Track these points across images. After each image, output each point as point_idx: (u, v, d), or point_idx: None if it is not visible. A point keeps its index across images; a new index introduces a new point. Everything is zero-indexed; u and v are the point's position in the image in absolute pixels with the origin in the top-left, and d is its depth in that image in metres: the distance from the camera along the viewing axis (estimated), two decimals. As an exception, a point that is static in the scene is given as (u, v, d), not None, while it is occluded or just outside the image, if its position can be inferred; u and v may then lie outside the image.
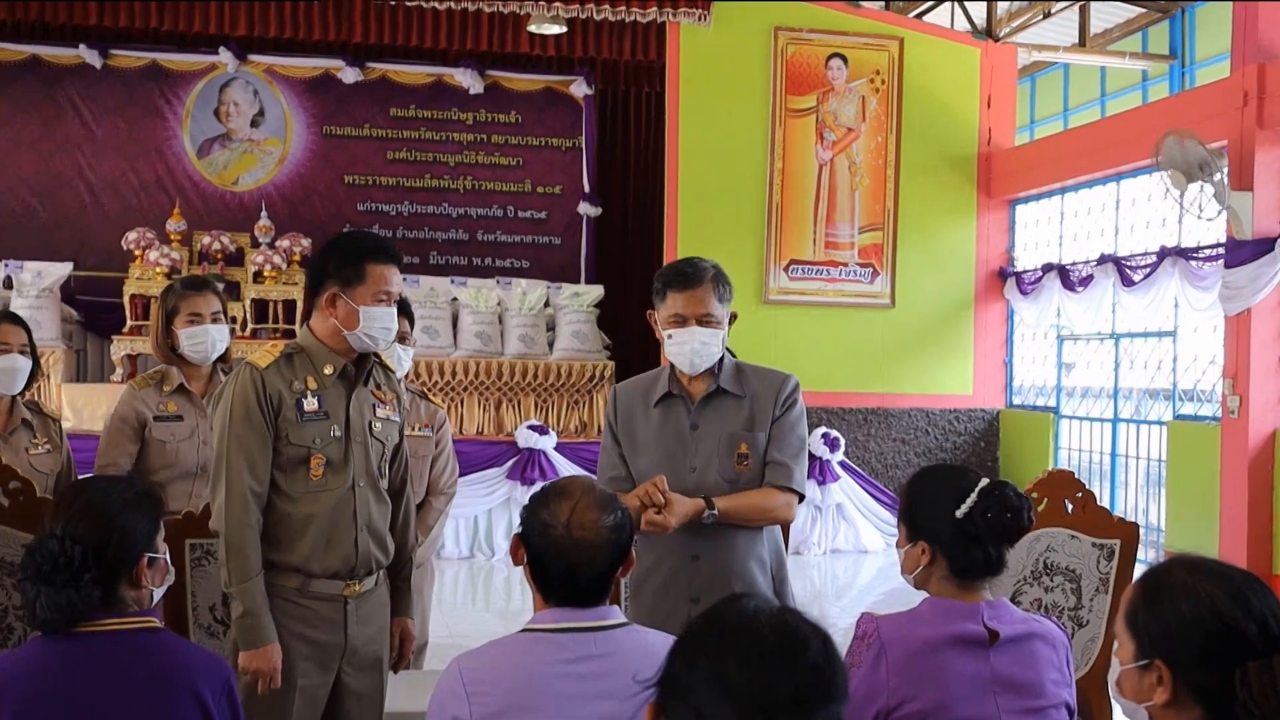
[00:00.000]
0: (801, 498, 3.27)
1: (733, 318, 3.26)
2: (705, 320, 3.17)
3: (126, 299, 10.25)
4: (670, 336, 3.21)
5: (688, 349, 3.18)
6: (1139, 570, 3.97)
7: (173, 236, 10.78)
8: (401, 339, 4.28)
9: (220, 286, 4.43)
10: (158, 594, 2.36)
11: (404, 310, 4.21)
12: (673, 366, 3.27)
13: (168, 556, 2.39)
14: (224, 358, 4.19)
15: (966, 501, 2.37)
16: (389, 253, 3.16)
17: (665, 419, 3.25)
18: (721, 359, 3.26)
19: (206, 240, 10.83)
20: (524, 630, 2.22)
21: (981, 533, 2.36)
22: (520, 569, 2.29)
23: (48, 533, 2.25)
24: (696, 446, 3.21)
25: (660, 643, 2.21)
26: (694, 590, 3.16)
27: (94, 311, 11.07)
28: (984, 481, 2.40)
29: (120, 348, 9.96)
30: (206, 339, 4.05)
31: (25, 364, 3.91)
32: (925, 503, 2.44)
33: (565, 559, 2.19)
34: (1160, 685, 1.73)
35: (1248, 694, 1.66)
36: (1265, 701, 1.64)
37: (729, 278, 3.27)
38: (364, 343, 3.11)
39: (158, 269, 10.21)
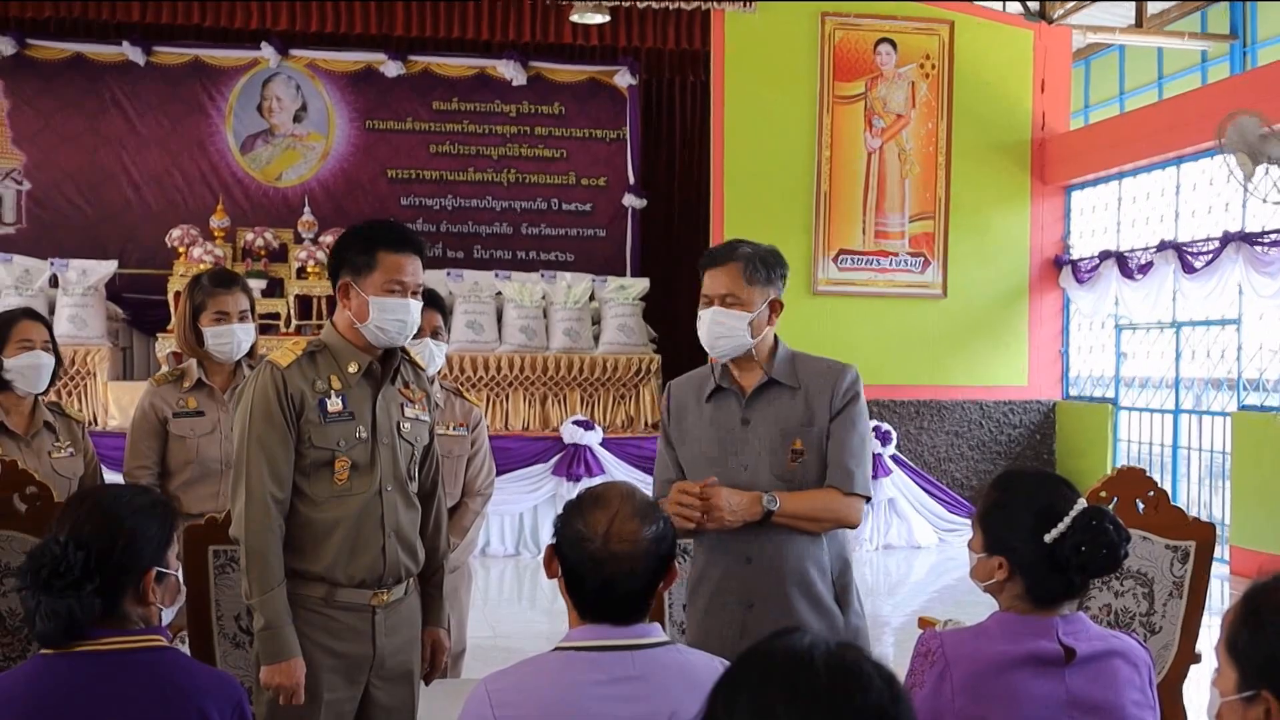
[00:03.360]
0: (867, 499, 3.06)
1: (776, 305, 3.07)
2: (729, 302, 3.00)
3: (171, 296, 10.21)
4: (698, 318, 3.08)
5: (704, 330, 3.04)
6: (1215, 570, 3.76)
7: (216, 233, 10.74)
8: (434, 333, 4.13)
9: (252, 284, 4.33)
10: (168, 615, 2.22)
11: (435, 303, 4.07)
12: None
13: (180, 574, 2.24)
14: (250, 354, 4.08)
15: (1058, 527, 2.15)
16: (404, 240, 3.00)
17: (716, 414, 3.07)
18: (776, 349, 3.08)
19: (250, 237, 10.78)
20: (556, 649, 2.06)
21: (1069, 564, 2.15)
22: (551, 579, 2.12)
23: (51, 537, 2.11)
24: (747, 443, 3.01)
25: (703, 664, 2.04)
26: (748, 595, 2.98)
27: (139, 309, 11.06)
28: (1079, 505, 2.18)
29: (165, 345, 9.92)
30: (232, 339, 3.99)
31: (49, 361, 3.82)
32: (1010, 516, 2.22)
33: (601, 573, 2.02)
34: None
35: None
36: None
37: (778, 262, 3.07)
38: (376, 336, 2.96)
39: (201, 266, 10.14)
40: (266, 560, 2.82)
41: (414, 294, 2.99)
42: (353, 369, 2.97)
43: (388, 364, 3.03)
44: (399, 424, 3.02)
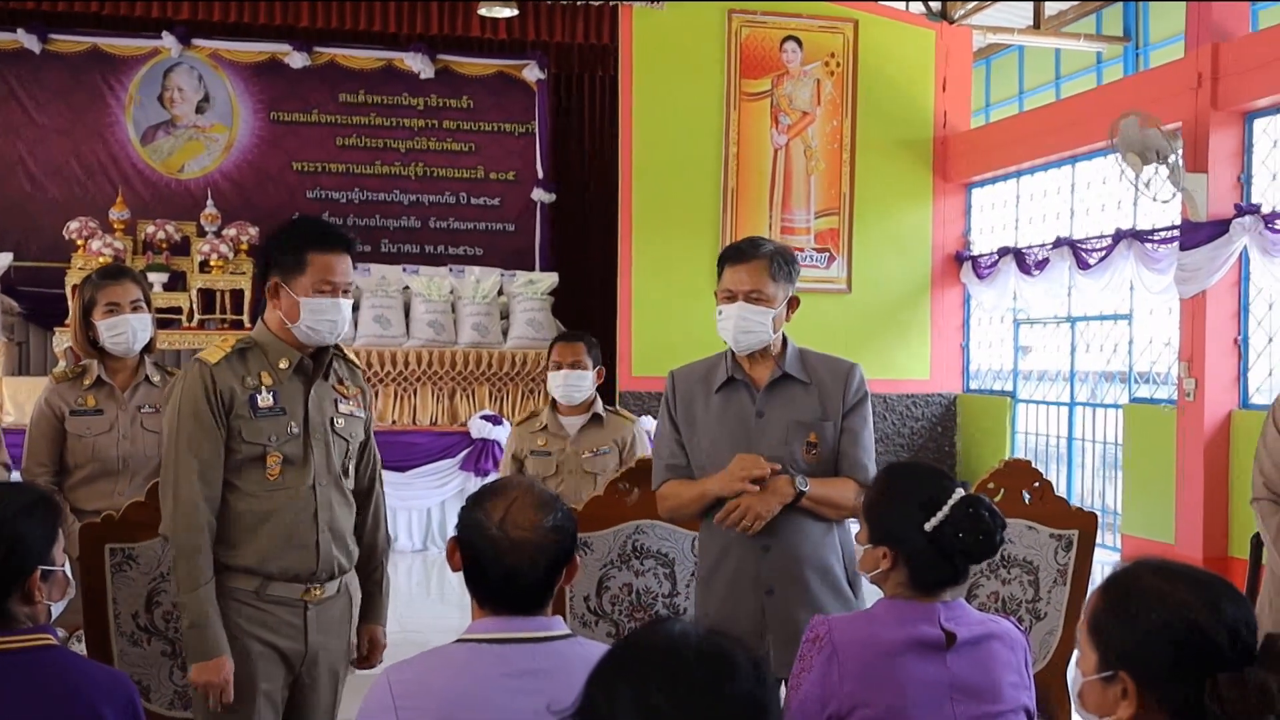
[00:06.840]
0: None
1: (794, 302, 3.16)
2: (754, 298, 3.07)
3: (69, 290, 9.99)
4: (720, 313, 3.13)
5: (730, 324, 3.09)
6: (1098, 555, 3.91)
7: (116, 225, 10.54)
8: None
9: (153, 278, 4.28)
10: (56, 609, 2.20)
11: None
12: (734, 352, 3.16)
13: (67, 568, 2.22)
14: (149, 348, 4.03)
15: (937, 515, 2.24)
16: (334, 239, 3.01)
17: (727, 406, 3.13)
18: (785, 344, 3.17)
19: (151, 229, 10.59)
20: (460, 640, 2.09)
21: (949, 550, 2.24)
22: (460, 574, 2.15)
23: None
24: (763, 435, 3.09)
25: None
26: (767, 582, 3.04)
27: (36, 303, 10.80)
28: (958, 494, 2.28)
29: (62, 340, 9.73)
30: (127, 329, 3.91)
31: None
32: (892, 507, 2.31)
33: (502, 561, 2.05)
34: (1125, 699, 1.63)
35: (1219, 707, 1.55)
36: (1237, 715, 1.54)
37: (793, 260, 3.17)
38: (307, 335, 2.98)
39: (100, 259, 9.95)
40: (194, 559, 2.83)
41: (344, 293, 3.01)
42: (284, 365, 2.98)
43: (319, 360, 3.05)
44: (333, 420, 3.04)
